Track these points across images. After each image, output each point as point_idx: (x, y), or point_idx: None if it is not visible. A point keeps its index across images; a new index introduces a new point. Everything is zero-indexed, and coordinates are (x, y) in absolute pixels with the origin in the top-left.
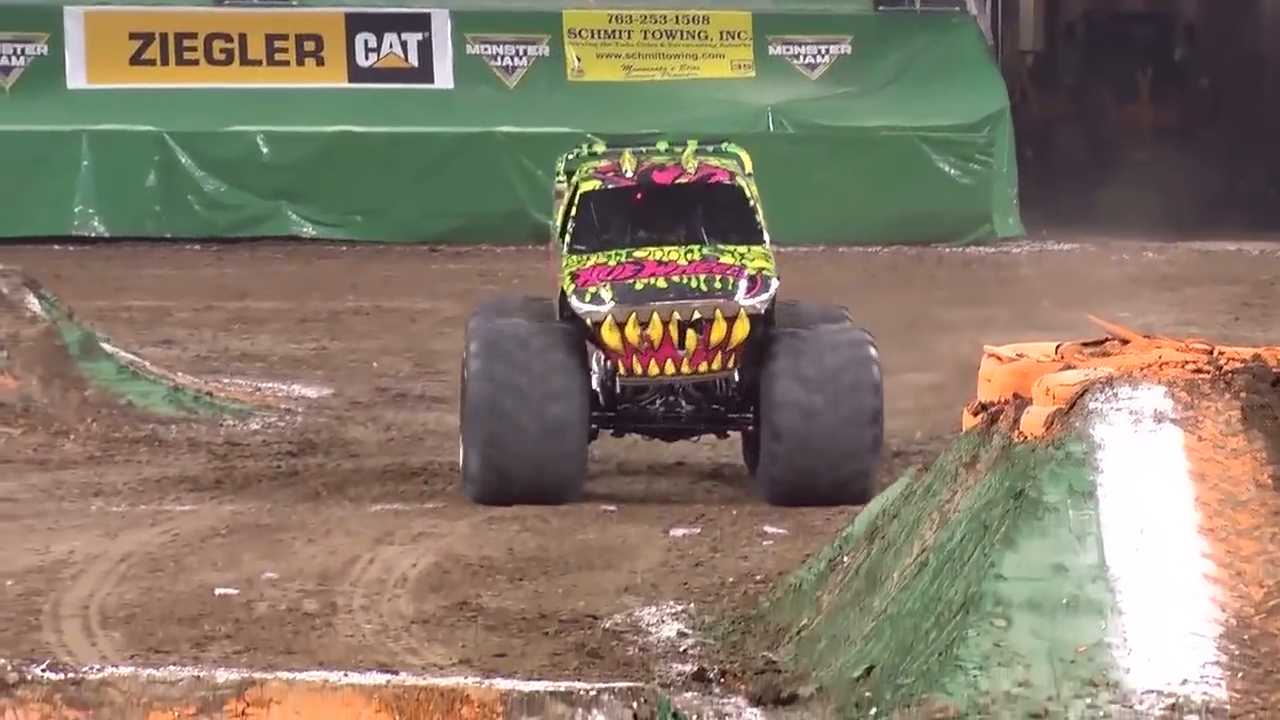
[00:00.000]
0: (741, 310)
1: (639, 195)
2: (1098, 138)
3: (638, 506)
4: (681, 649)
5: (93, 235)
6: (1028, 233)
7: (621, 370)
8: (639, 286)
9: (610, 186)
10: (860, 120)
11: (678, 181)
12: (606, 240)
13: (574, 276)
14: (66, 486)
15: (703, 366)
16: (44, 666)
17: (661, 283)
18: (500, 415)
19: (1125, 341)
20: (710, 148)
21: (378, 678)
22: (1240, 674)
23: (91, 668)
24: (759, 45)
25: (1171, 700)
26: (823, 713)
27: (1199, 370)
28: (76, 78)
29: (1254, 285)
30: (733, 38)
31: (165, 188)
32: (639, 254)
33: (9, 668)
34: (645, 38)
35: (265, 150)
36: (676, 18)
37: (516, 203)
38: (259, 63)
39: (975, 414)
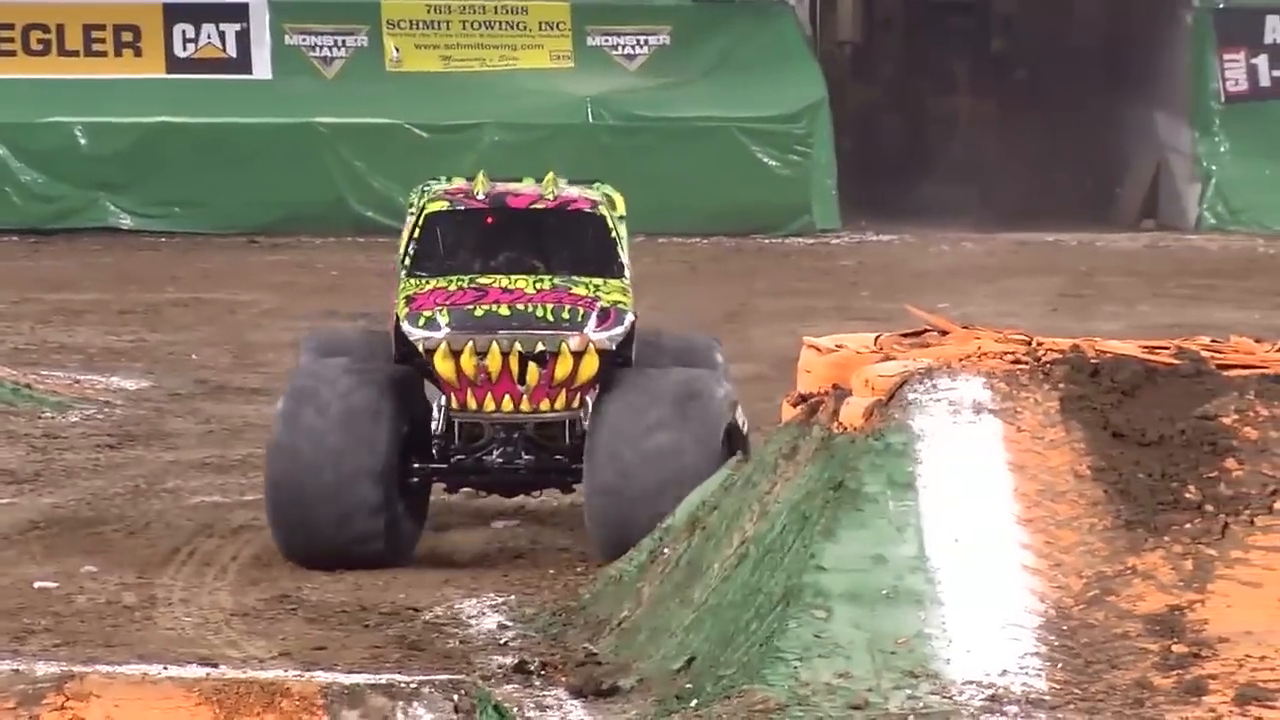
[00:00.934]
0: (591, 345)
1: (489, 219)
2: (916, 129)
3: (458, 498)
4: (502, 641)
5: None
6: (847, 224)
7: (454, 405)
8: (479, 313)
9: (459, 208)
10: (679, 111)
11: (533, 206)
12: (450, 265)
13: (409, 300)
14: None
15: (544, 404)
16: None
17: (504, 310)
18: (296, 462)
19: (944, 332)
20: (582, 187)
21: (197, 671)
22: (1060, 664)
23: None
24: (578, 36)
25: (991, 691)
26: (643, 704)
27: (1018, 361)
28: None
29: (1072, 276)
30: (552, 28)
31: None
32: (483, 280)
33: None
34: (464, 28)
35: (83, 141)
36: (495, 8)
37: (336, 194)
38: (76, 53)
39: (795, 405)
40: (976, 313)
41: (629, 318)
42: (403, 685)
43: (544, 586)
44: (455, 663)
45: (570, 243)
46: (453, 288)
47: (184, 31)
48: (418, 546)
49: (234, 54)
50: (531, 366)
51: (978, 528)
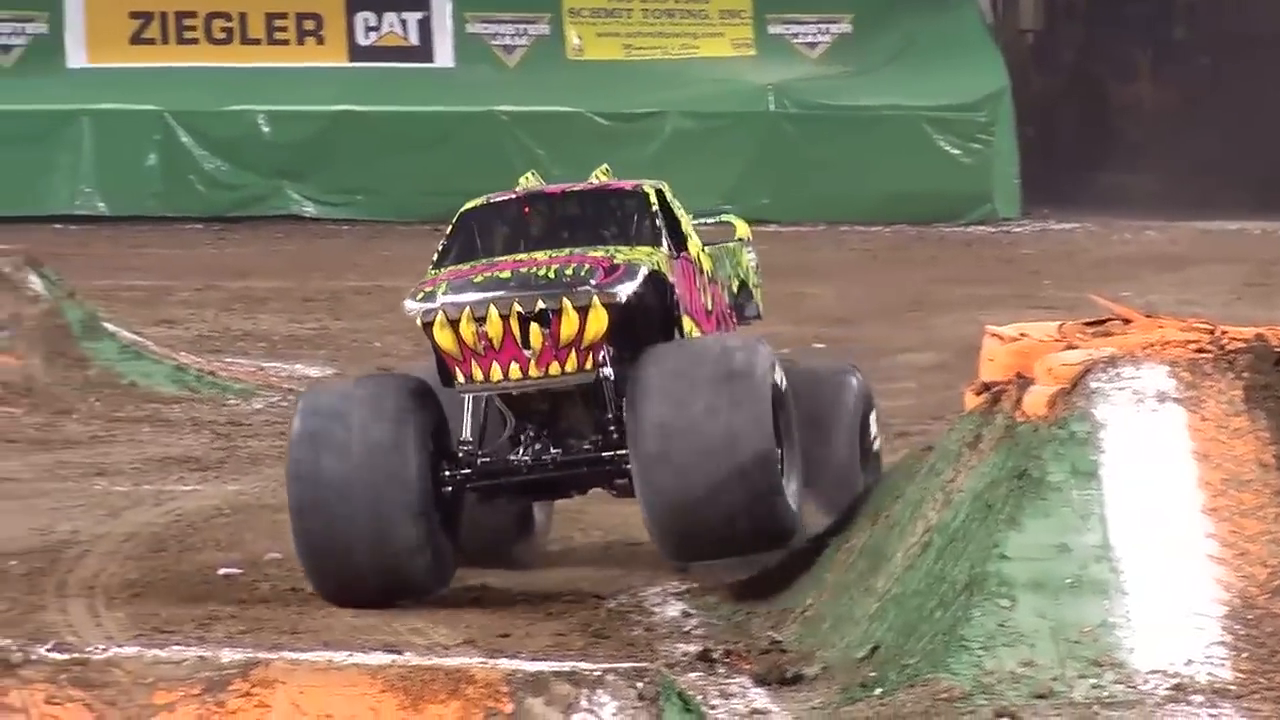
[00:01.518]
0: (595, 299)
1: (525, 209)
2: (1098, 117)
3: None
4: (686, 629)
5: (94, 215)
6: (1028, 212)
7: (460, 379)
8: (478, 280)
9: (494, 200)
10: (861, 99)
11: (570, 190)
12: (478, 254)
13: (419, 285)
14: (69, 466)
15: (554, 368)
16: (49, 647)
17: (505, 274)
18: (320, 485)
19: (1127, 321)
20: (704, 219)
21: (382, 658)
22: (1245, 654)
23: (96, 648)
24: (759, 24)
25: (1176, 680)
26: (828, 692)
27: (1201, 350)
28: (77, 57)
29: (1256, 264)
30: (733, 16)
31: (166, 167)
32: (500, 259)
33: (14, 648)
34: (645, 16)
35: (266, 129)
36: None
37: (517, 182)
38: (259, 41)
39: (978, 394)
40: (1159, 301)
41: (643, 271)
42: (587, 673)
43: (726, 574)
44: (639, 650)
45: (608, 221)
46: (465, 267)
47: (366, 20)
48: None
49: (416, 42)
50: (534, 327)
51: (1162, 517)
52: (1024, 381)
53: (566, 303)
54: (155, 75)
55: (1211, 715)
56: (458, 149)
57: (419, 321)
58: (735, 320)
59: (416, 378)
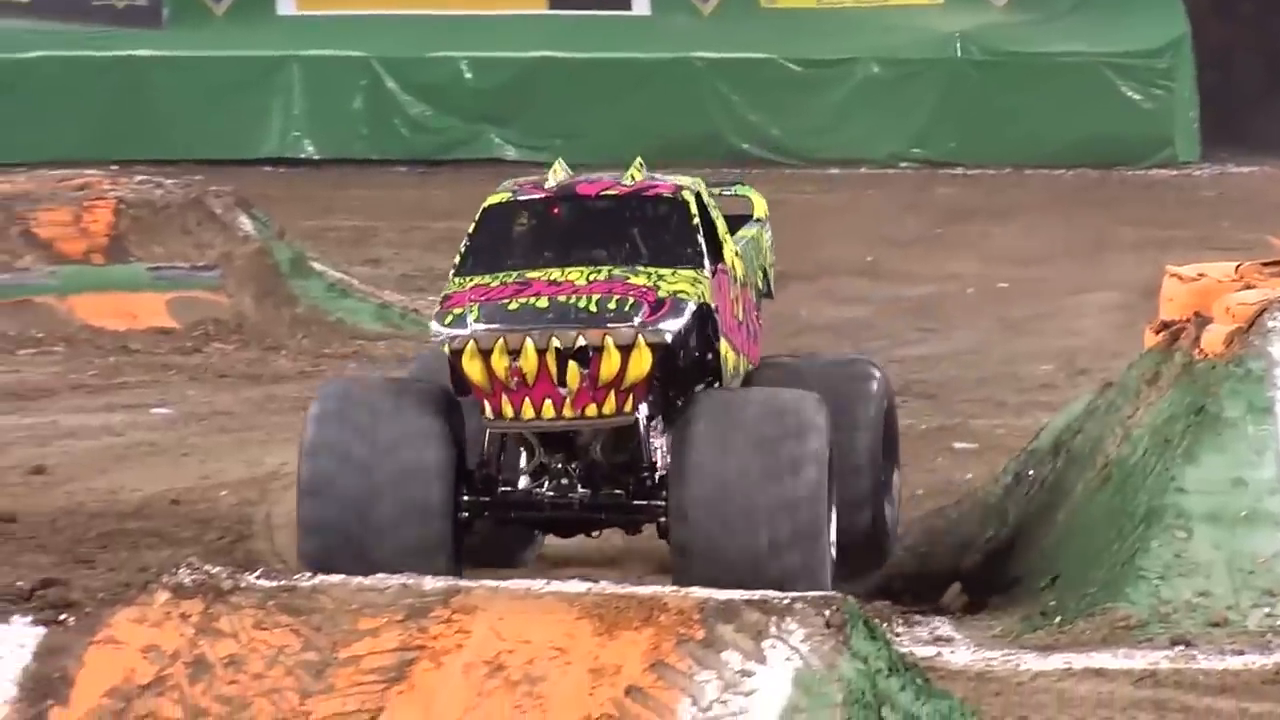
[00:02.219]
0: (640, 338)
1: (555, 209)
2: (1276, 64)
3: None
4: None
5: (302, 157)
6: (1208, 156)
7: (489, 413)
8: (513, 307)
9: (520, 198)
10: (1045, 46)
11: (605, 193)
12: (505, 262)
13: (444, 300)
14: (278, 400)
15: (590, 409)
16: (258, 574)
17: (542, 303)
18: (338, 503)
19: None
20: (721, 189)
21: (579, 586)
22: None
23: (303, 576)
24: None
25: None
26: (1009, 621)
27: None
28: (287, 5)
29: None
30: None
31: (372, 111)
32: (532, 274)
33: (224, 576)
34: None
35: (469, 75)
36: None
37: (711, 127)
38: None
39: (1157, 332)
40: None
41: (690, 307)
42: (776, 601)
43: (915, 505)
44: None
45: (645, 231)
46: (495, 284)
47: None
48: None
49: None
50: (572, 365)
51: None
52: (1202, 320)
53: (609, 341)
54: (362, 23)
55: None
56: (654, 94)
57: (446, 349)
58: (759, 322)
59: (442, 388)
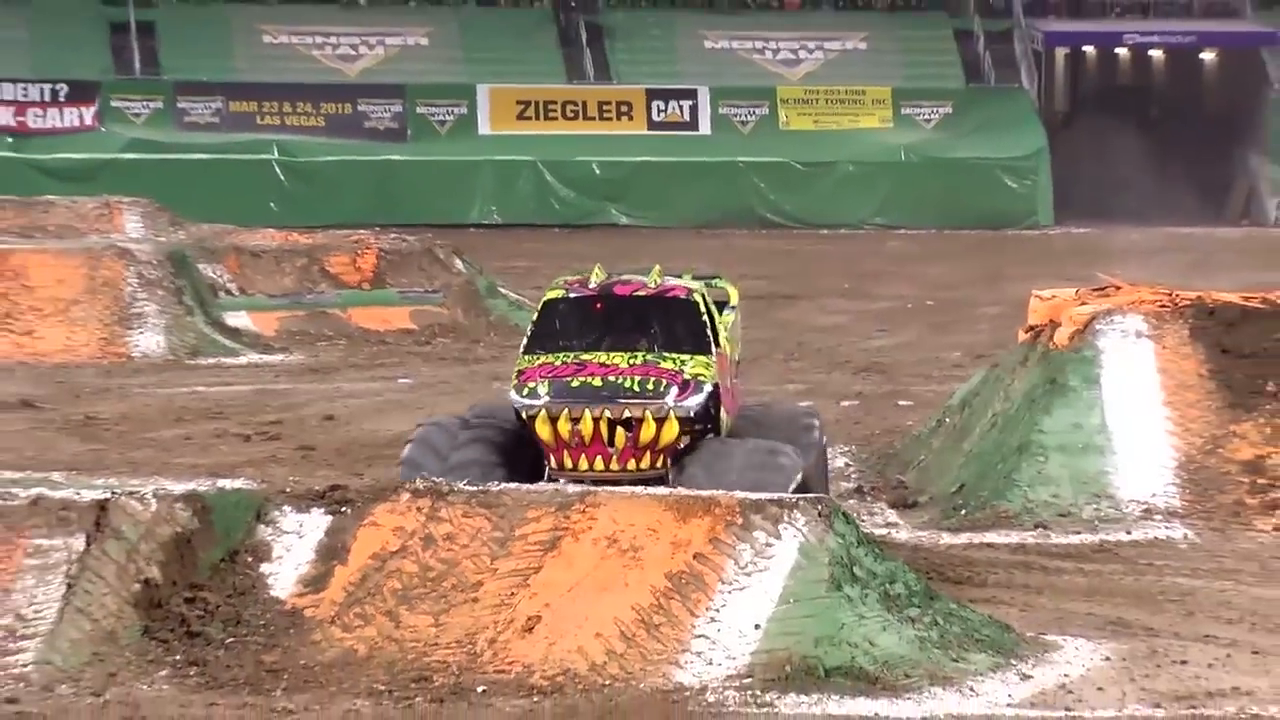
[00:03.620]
0: (671, 412)
1: (598, 305)
2: (1102, 161)
3: (816, 389)
4: (847, 474)
5: (490, 223)
6: (1059, 221)
7: (553, 464)
8: (575, 384)
9: (573, 295)
10: (957, 153)
11: (635, 294)
12: (561, 344)
13: (519, 374)
14: (479, 375)
15: (631, 464)
16: (465, 483)
17: (597, 382)
18: None
19: (1118, 288)
20: (705, 281)
21: (666, 490)
22: (1188, 490)
23: (494, 485)
24: (896, 107)
25: (1145, 505)
26: (933, 513)
27: (1162, 305)
28: (484, 127)
29: (1196, 254)
30: (879, 103)
31: (536, 193)
32: (585, 357)
33: (444, 484)
34: (827, 103)
35: (597, 170)
36: (844, 90)
37: (747, 202)
38: (594, 118)
39: (1026, 332)
40: (1140, 277)
41: (707, 388)
42: (788, 500)
43: (873, 441)
44: None
45: (666, 325)
46: (558, 363)
47: (658, 105)
48: None
49: (688, 119)
50: (619, 431)
51: (1137, 407)
52: (1054, 324)
53: (648, 414)
54: (531, 139)
55: (1167, 527)
56: (712, 183)
57: (523, 414)
58: (739, 385)
59: (500, 428)
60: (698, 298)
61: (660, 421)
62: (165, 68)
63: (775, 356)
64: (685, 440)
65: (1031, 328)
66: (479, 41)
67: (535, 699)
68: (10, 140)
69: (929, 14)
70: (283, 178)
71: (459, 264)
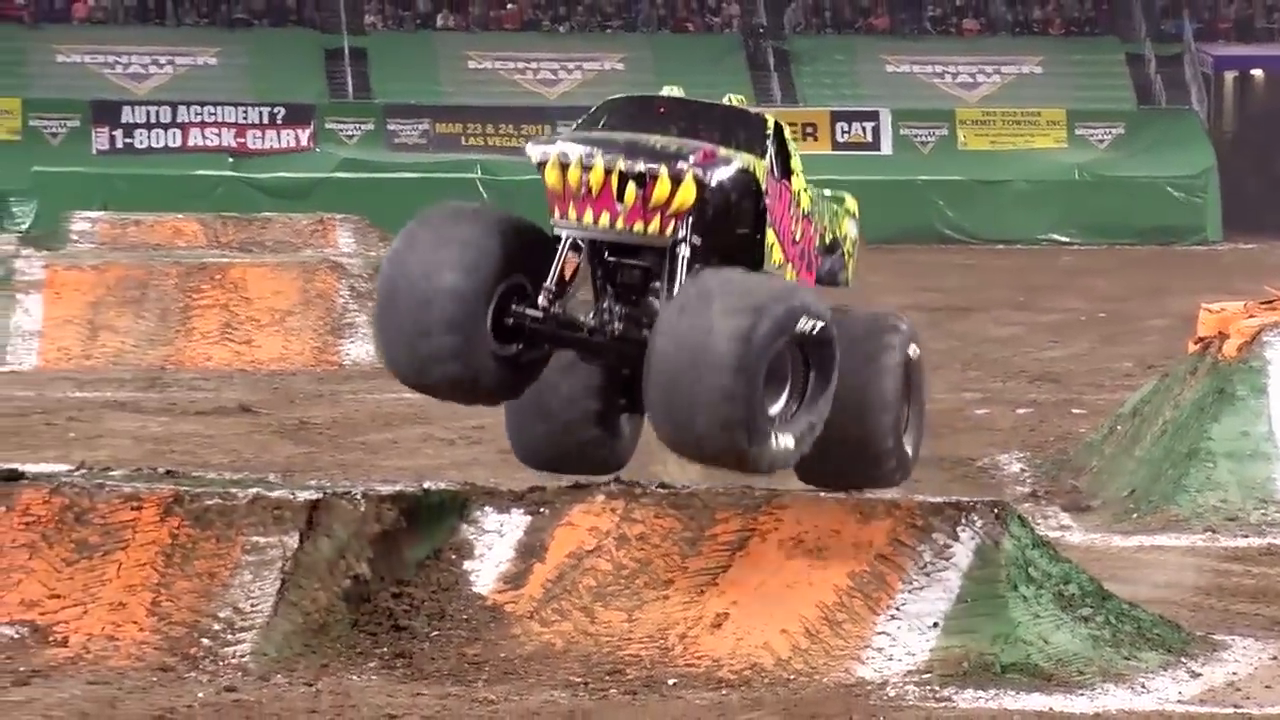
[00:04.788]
0: (690, 174)
1: (659, 107)
2: (1268, 177)
3: (992, 397)
4: (1023, 479)
5: None
6: (1227, 237)
7: (557, 215)
8: (594, 137)
9: (634, 95)
10: (1129, 172)
11: (701, 100)
12: (607, 125)
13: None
14: None
15: (638, 225)
16: (655, 485)
17: (618, 138)
18: (394, 275)
19: None
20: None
21: (849, 494)
22: None
23: (685, 484)
24: (1070, 128)
25: None
26: (1105, 516)
27: None
28: None
29: None
30: (1054, 124)
31: None
32: (624, 132)
33: (636, 484)
34: (1003, 124)
35: None
36: (1020, 112)
37: (927, 219)
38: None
39: (1195, 344)
40: None
41: (737, 163)
42: (965, 503)
43: (1047, 447)
44: (996, 490)
45: (726, 128)
46: (591, 131)
47: (841, 127)
48: (962, 422)
49: (870, 139)
50: (630, 185)
51: None
52: (1223, 336)
53: (664, 170)
54: None
55: None
56: (895, 200)
57: (534, 160)
58: (818, 262)
59: (508, 215)
60: (770, 118)
61: (675, 181)
62: (376, 91)
63: (953, 366)
64: (708, 214)
65: (1200, 339)
66: (671, 66)
67: (723, 692)
68: (231, 160)
69: (1102, 39)
70: (485, 195)
71: None
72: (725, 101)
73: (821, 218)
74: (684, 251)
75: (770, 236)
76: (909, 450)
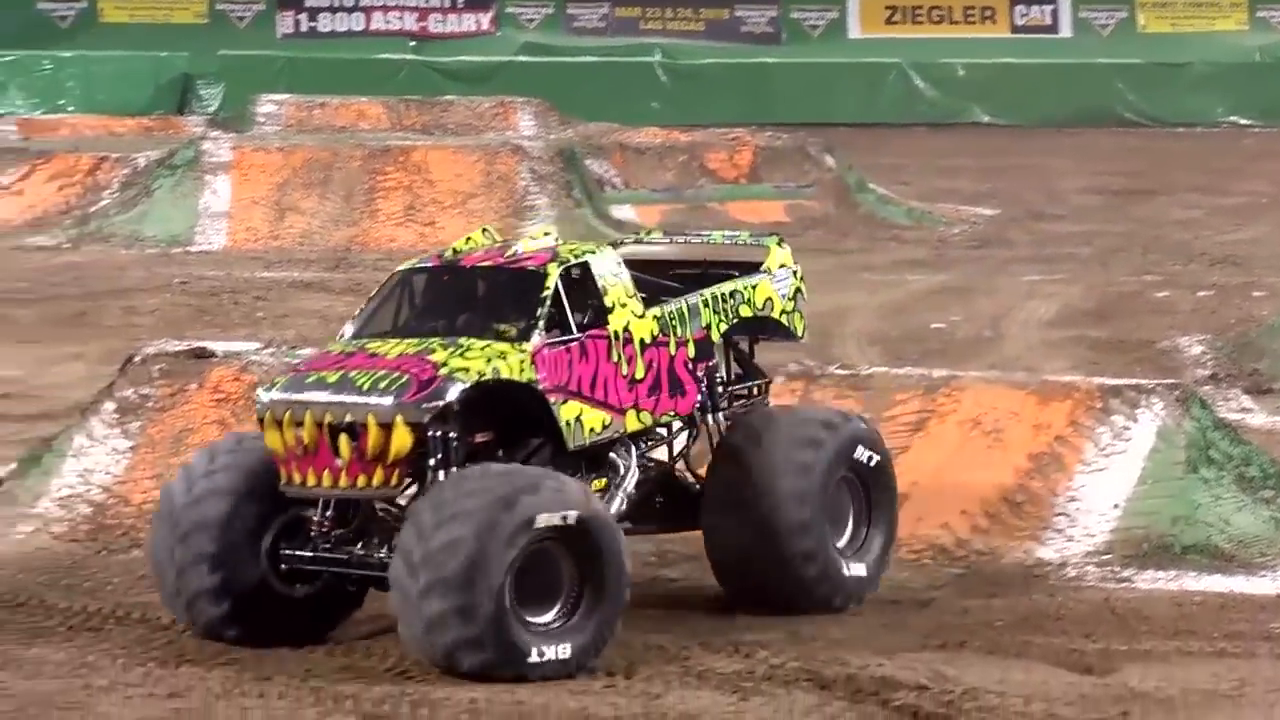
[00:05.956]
0: (398, 418)
1: (442, 277)
2: None
3: (1171, 280)
4: (1203, 361)
5: (857, 121)
6: None
7: (282, 478)
8: (310, 379)
9: (420, 266)
10: None
11: (479, 265)
12: (376, 328)
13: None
14: (848, 266)
15: (360, 480)
16: (836, 366)
17: (332, 377)
18: (153, 542)
19: None
20: (735, 240)
21: (1027, 376)
22: None
23: (863, 366)
24: (1251, 10)
25: None
26: None
27: None
28: (853, 31)
29: None
30: (1235, 7)
31: (902, 95)
32: (373, 345)
33: (814, 365)
34: (1185, 6)
35: (961, 73)
36: None
37: (1106, 101)
38: (959, 21)
39: None
40: None
41: (456, 388)
42: (1145, 384)
43: (1228, 329)
44: (1176, 373)
45: (497, 303)
46: (338, 351)
47: (1020, 9)
48: (1150, 309)
49: (1049, 21)
50: (343, 439)
51: None
52: None
53: (370, 419)
54: (898, 42)
55: None
56: (1072, 83)
57: (256, 416)
58: (702, 370)
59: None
60: (554, 271)
61: (385, 428)
62: None
63: (1134, 249)
64: (443, 443)
65: None
66: None
67: (904, 574)
68: (413, 44)
69: None
70: (664, 79)
71: (830, 160)
72: (523, 246)
73: (690, 322)
74: (412, 490)
75: (570, 410)
76: (854, 571)
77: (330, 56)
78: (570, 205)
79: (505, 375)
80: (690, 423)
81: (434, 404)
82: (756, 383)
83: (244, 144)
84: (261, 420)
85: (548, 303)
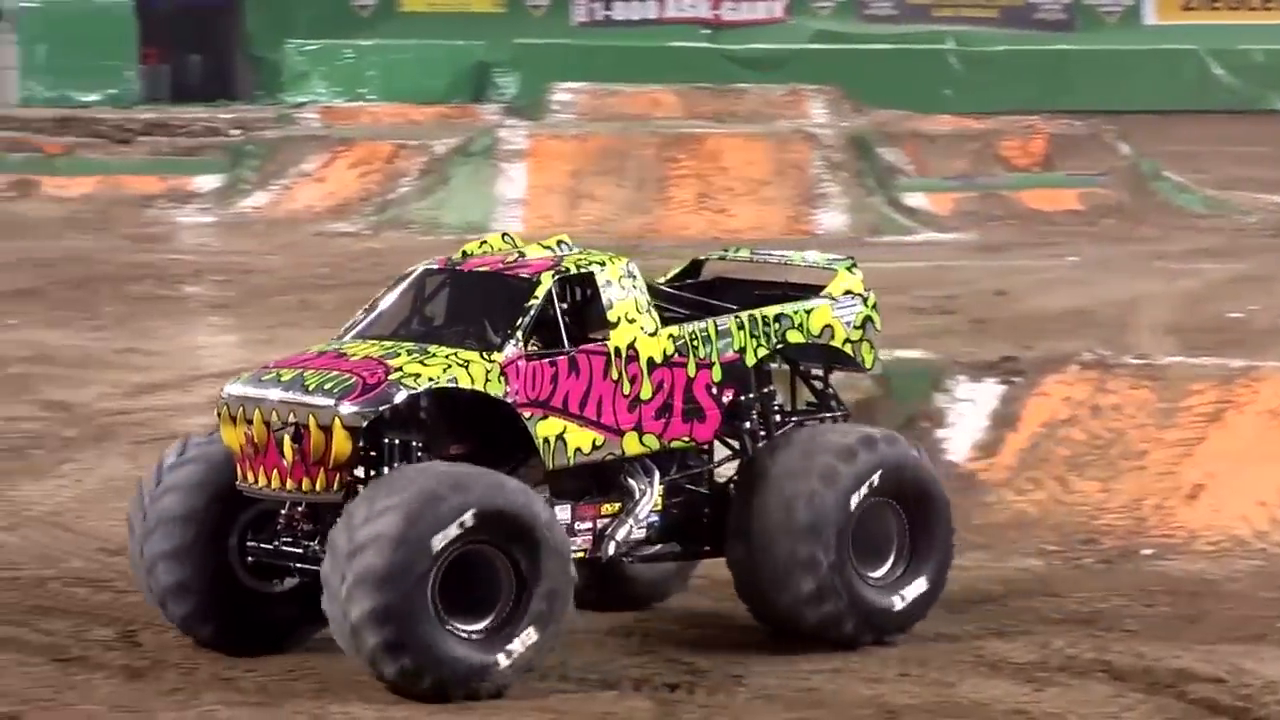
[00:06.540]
0: (337, 420)
1: (442, 282)
2: None
3: None
4: None
5: (1144, 109)
6: None
7: (238, 476)
8: (266, 377)
9: (425, 268)
10: None
11: (476, 270)
12: (365, 330)
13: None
14: (1141, 254)
15: (305, 483)
16: (1131, 355)
17: (287, 376)
18: (131, 539)
19: None
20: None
21: None
22: None
23: (1156, 358)
24: None
25: None
26: None
27: None
28: (1149, 18)
29: None
30: None
31: (1199, 85)
32: (349, 347)
33: (1110, 355)
34: None
35: (1261, 59)
36: None
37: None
38: (1257, 8)
39: None
40: None
41: (400, 394)
42: None
43: None
44: None
45: (483, 310)
46: (314, 351)
47: None
48: None
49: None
50: (286, 440)
51: None
52: None
53: (311, 420)
54: (1194, 29)
55: None
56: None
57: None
58: (729, 396)
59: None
60: (546, 280)
61: (325, 431)
62: None
63: None
64: (387, 450)
65: None
66: None
67: (1200, 565)
68: (706, 32)
69: None
70: (957, 66)
71: (1124, 148)
72: (531, 252)
73: (715, 344)
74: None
75: (550, 427)
76: (886, 603)
77: (624, 44)
78: (862, 193)
79: (464, 385)
80: (741, 450)
81: (372, 409)
82: (827, 415)
83: (539, 132)
84: (219, 414)
85: (531, 313)
